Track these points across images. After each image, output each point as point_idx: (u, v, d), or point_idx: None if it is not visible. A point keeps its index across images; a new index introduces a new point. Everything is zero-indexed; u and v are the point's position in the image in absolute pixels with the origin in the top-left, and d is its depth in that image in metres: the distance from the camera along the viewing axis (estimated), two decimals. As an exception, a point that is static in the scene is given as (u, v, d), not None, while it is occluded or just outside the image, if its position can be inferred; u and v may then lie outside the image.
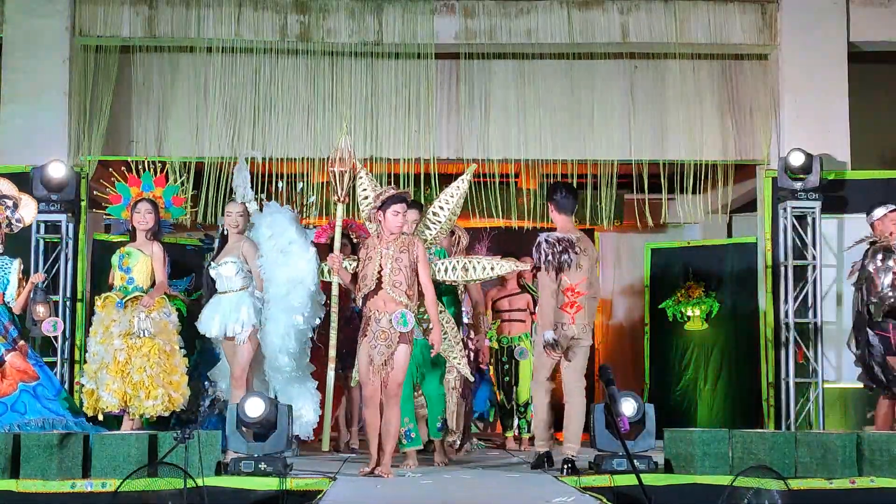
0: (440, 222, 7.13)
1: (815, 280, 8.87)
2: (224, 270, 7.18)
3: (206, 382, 8.11)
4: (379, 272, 6.32)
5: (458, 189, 7.15)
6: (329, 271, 7.03)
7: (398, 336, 6.29)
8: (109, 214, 8.07)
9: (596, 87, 9.36)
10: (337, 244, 7.02)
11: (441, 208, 7.13)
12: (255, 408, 5.95)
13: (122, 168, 8.03)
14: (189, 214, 8.15)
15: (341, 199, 7.18)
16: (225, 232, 7.37)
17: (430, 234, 7.14)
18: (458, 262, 7.07)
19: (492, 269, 7.01)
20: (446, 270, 7.00)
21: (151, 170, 7.83)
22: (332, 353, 7.21)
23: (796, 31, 9.15)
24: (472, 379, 8.00)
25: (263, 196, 8.24)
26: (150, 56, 9.19)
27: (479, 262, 7.06)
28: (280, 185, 8.74)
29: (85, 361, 7.51)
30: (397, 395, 6.38)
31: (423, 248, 6.50)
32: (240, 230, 7.31)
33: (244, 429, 6.03)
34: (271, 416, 5.99)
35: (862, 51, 9.33)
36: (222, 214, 8.45)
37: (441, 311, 7.07)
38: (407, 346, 6.34)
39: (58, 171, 8.38)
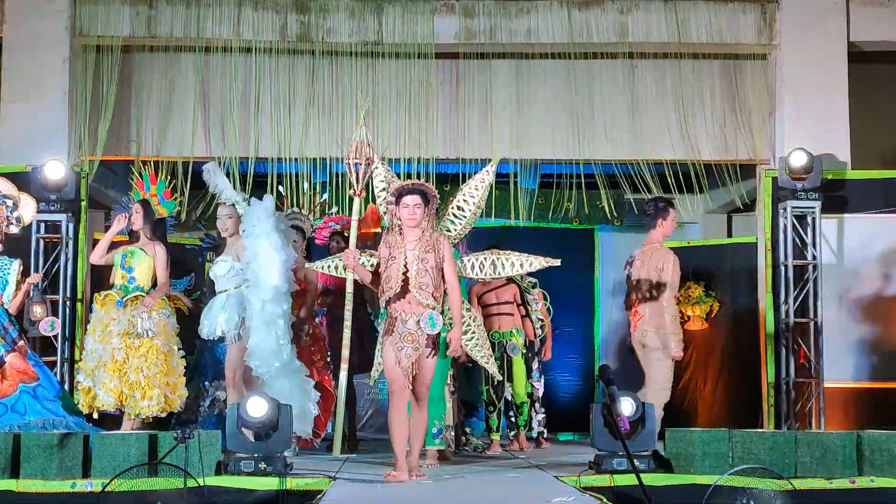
0: (465, 217, 6.84)
1: (816, 280, 8.87)
2: (217, 269, 7.25)
3: (205, 383, 8.12)
4: (405, 273, 6.00)
5: (482, 182, 6.90)
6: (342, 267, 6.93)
7: (426, 338, 6.01)
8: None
9: (596, 87, 9.35)
10: (353, 240, 6.84)
11: (465, 202, 6.83)
12: (257, 408, 5.95)
13: (139, 174, 8.03)
14: (178, 206, 8.15)
15: (358, 192, 6.95)
16: (222, 235, 7.42)
17: (455, 230, 6.85)
18: (486, 258, 6.82)
19: (521, 265, 6.77)
20: (473, 268, 6.76)
21: (147, 170, 7.86)
22: (346, 352, 7.08)
23: (796, 31, 9.14)
24: (499, 377, 7.82)
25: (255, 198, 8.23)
26: (150, 56, 9.18)
27: (507, 259, 6.81)
28: (280, 189, 8.77)
29: (81, 359, 7.53)
30: (425, 397, 6.14)
31: (449, 245, 6.19)
32: (230, 232, 7.34)
33: (245, 429, 6.03)
34: (273, 416, 5.99)
35: (862, 51, 9.33)
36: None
37: (468, 310, 6.92)
38: (434, 348, 6.06)
39: (55, 171, 8.36)
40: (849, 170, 9.09)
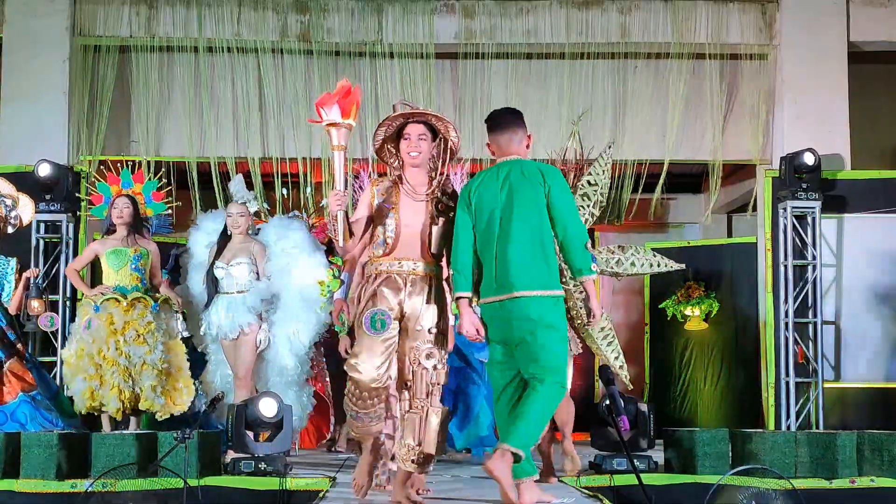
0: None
1: (815, 280, 8.86)
2: (235, 271, 7.12)
3: (197, 381, 8.05)
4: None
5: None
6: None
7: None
8: (93, 216, 8.04)
9: (595, 87, 9.35)
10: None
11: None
12: (269, 408, 5.95)
13: (101, 167, 8.04)
14: (169, 209, 8.09)
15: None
16: (229, 232, 7.34)
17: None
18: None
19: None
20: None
21: (129, 167, 7.79)
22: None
23: (796, 31, 9.15)
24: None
25: (262, 198, 8.21)
26: (149, 56, 9.18)
27: None
28: (284, 191, 8.75)
29: (81, 357, 7.43)
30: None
31: None
32: (241, 230, 7.27)
33: (252, 429, 6.02)
34: (281, 416, 6.00)
35: (862, 51, 9.33)
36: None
37: None
38: None
39: (45, 170, 8.36)
40: (849, 170, 9.10)
